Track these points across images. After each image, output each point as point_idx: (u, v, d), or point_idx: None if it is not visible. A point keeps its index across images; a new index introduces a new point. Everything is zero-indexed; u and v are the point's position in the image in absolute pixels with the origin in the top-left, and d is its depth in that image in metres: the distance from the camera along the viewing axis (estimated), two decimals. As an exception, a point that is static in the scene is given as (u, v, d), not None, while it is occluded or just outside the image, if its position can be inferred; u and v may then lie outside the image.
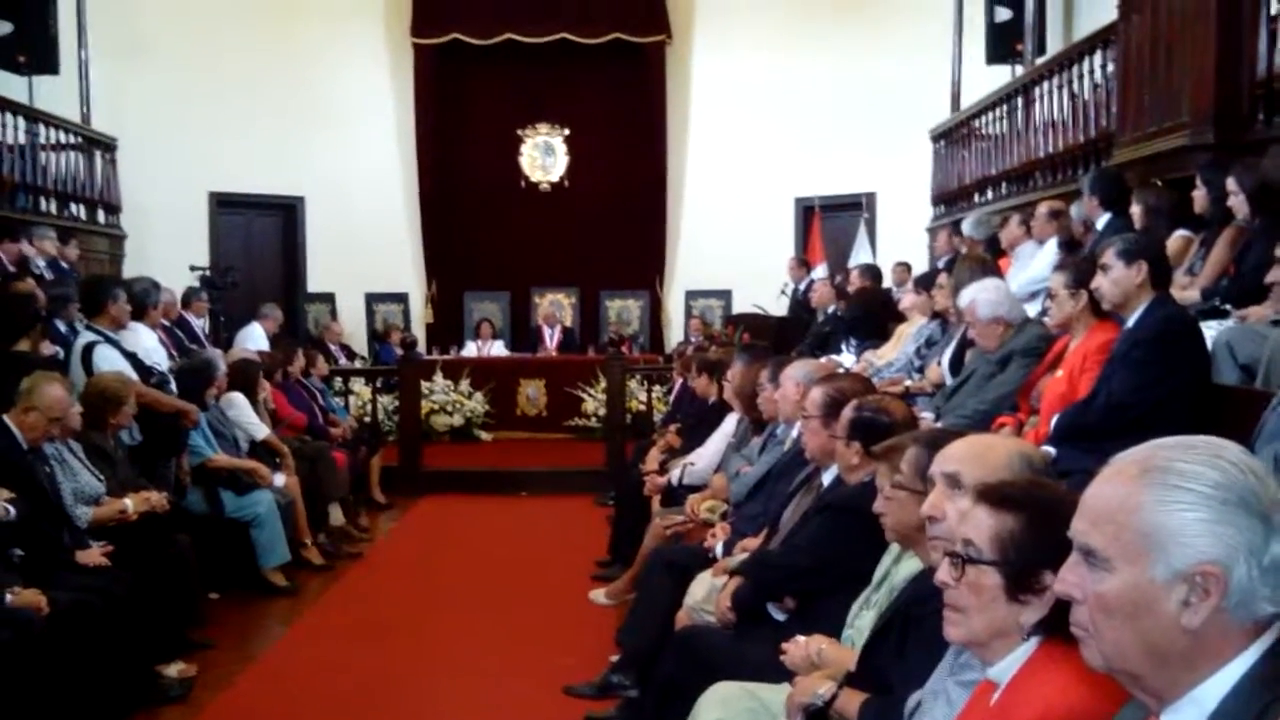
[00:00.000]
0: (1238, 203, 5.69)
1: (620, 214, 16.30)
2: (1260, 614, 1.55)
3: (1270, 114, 6.58)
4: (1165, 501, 1.55)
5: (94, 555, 5.55)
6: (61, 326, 7.86)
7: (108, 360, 6.96)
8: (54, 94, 12.81)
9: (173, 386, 7.53)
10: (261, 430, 8.32)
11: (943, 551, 2.38)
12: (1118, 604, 1.58)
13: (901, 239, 13.82)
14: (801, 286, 12.37)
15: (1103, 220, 6.86)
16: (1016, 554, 2.14)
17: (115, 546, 5.70)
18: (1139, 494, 1.57)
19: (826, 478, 4.45)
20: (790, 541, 4.32)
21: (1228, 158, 6.30)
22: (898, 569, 3.24)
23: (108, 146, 13.59)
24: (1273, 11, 6.65)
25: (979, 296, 5.74)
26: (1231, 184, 5.71)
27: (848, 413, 3.99)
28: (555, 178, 16.66)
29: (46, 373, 5.95)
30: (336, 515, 9.17)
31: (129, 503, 6.04)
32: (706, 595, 4.71)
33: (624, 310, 16.47)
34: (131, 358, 7.19)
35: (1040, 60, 11.09)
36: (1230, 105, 6.79)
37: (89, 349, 7.01)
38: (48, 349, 7.48)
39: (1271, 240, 5.05)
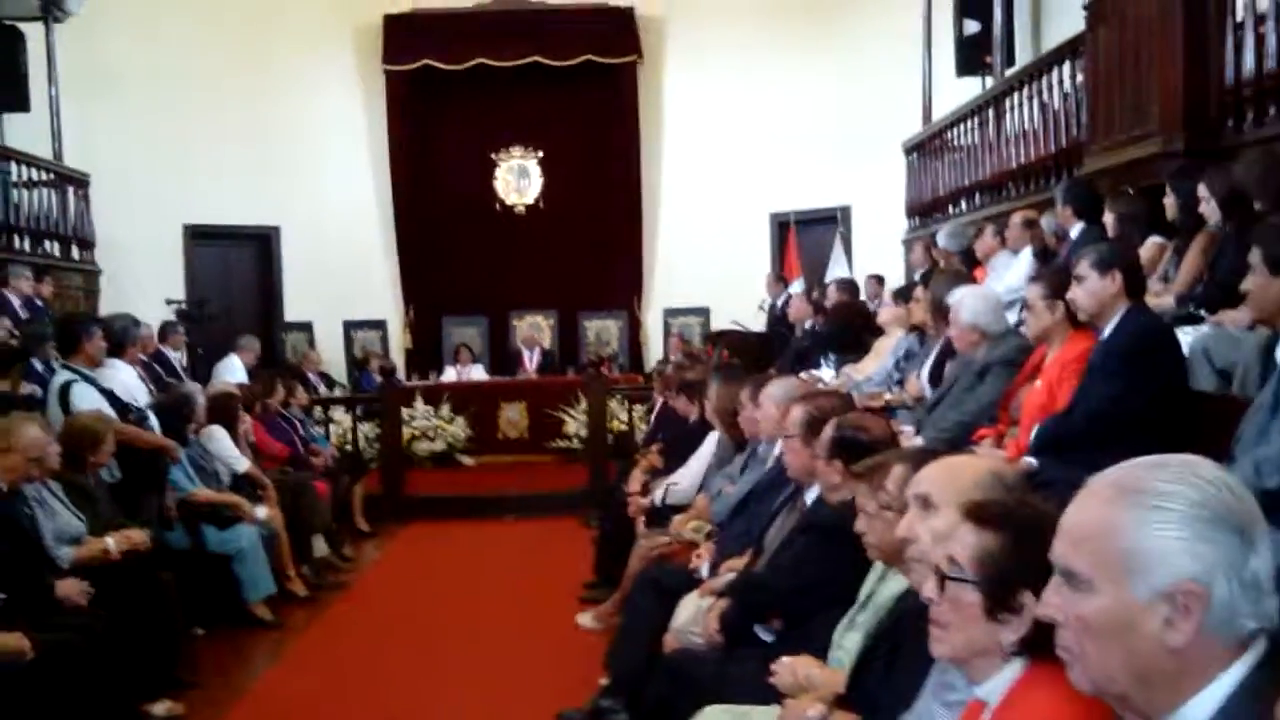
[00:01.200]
0: (1209, 209, 5.71)
1: (596, 234, 16.32)
2: (1242, 630, 1.56)
3: (1239, 120, 6.62)
4: (1143, 521, 1.56)
5: (73, 586, 5.49)
6: (38, 365, 7.81)
7: (85, 399, 6.92)
8: (25, 131, 12.79)
9: (152, 422, 7.49)
10: (243, 463, 8.28)
11: (929, 569, 2.38)
12: (1101, 625, 1.58)
13: (877, 251, 13.88)
14: (779, 302, 12.39)
15: (1076, 229, 6.90)
16: (996, 573, 2.15)
17: (98, 586, 5.66)
18: (1117, 515, 1.57)
19: (809, 497, 4.44)
20: (775, 562, 4.32)
21: (1198, 164, 6.33)
22: (883, 588, 3.24)
23: (80, 182, 13.52)
24: (1238, 19, 6.69)
25: (966, 301, 5.77)
26: (1203, 190, 5.74)
27: (828, 432, 4.00)
28: (530, 200, 16.67)
29: (23, 413, 5.92)
30: (320, 546, 9.13)
31: (111, 542, 5.98)
32: (693, 617, 4.70)
33: (603, 330, 16.47)
34: (109, 395, 7.15)
35: (1009, 72, 11.15)
36: (1199, 112, 6.83)
37: (66, 388, 6.98)
38: (25, 388, 7.45)
39: (1244, 245, 5.08)
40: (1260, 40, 6.40)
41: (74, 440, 6.34)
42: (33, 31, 12.88)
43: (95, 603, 5.52)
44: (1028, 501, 2.31)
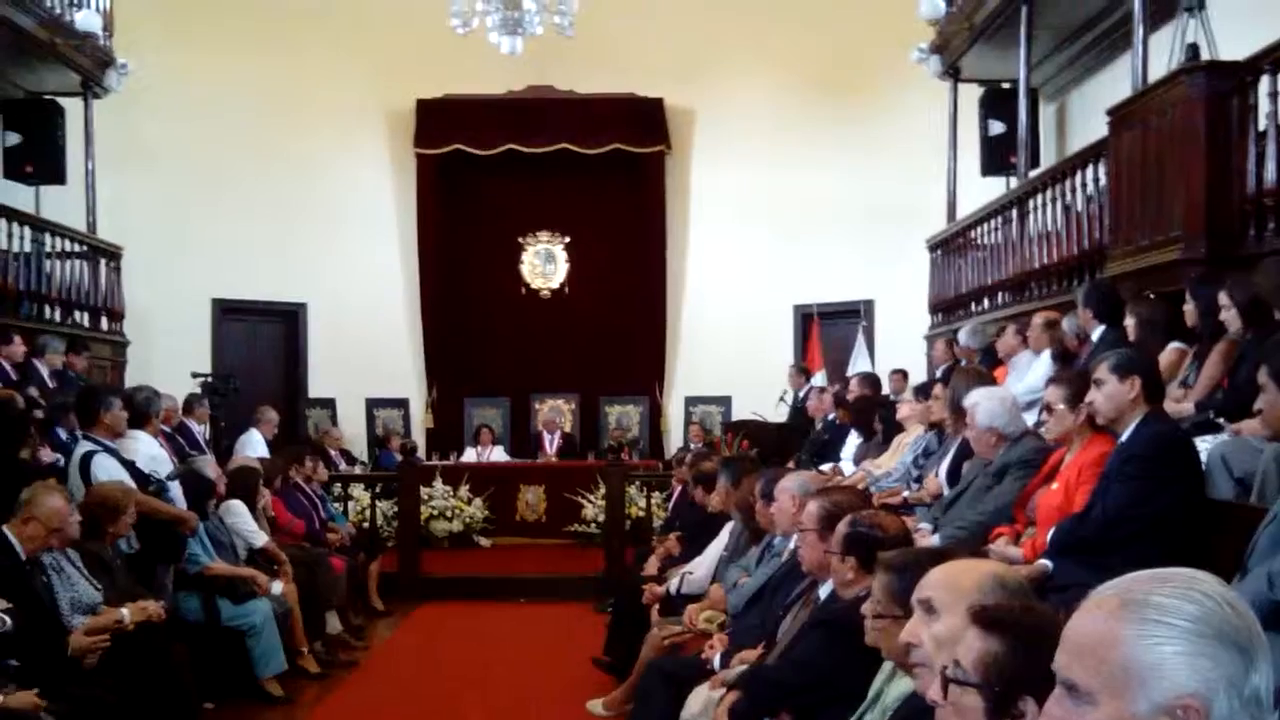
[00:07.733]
0: (1230, 316, 5.74)
1: (620, 320, 16.41)
2: (1243, 746, 1.56)
3: (1260, 228, 6.66)
4: (1145, 635, 1.56)
5: (83, 640, 5.52)
6: (62, 434, 7.89)
7: (105, 469, 6.97)
8: (60, 203, 13.01)
9: (171, 494, 7.52)
10: (260, 538, 8.30)
11: (933, 673, 2.39)
12: (1102, 738, 1.59)
13: (900, 346, 13.90)
14: (801, 394, 12.40)
15: (1097, 332, 6.91)
16: (998, 678, 2.15)
17: (111, 657, 5.67)
18: (1119, 628, 1.58)
19: (823, 591, 4.45)
20: (786, 656, 4.31)
21: (1218, 272, 6.36)
22: (890, 688, 3.23)
23: (112, 255, 13.73)
24: (1260, 128, 6.76)
25: (982, 403, 5.78)
26: (1224, 298, 5.76)
27: (842, 528, 4.01)
28: (555, 285, 16.80)
29: (46, 483, 5.98)
30: (333, 623, 9.12)
31: (126, 612, 6.01)
32: (704, 708, 4.68)
33: (624, 416, 16.48)
34: (130, 466, 7.20)
35: (1034, 173, 11.22)
36: (1220, 220, 6.88)
37: (87, 458, 7.03)
38: (48, 456, 7.51)
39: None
40: (1282, 150, 6.46)
41: (96, 510, 6.39)
42: (72, 106, 13.15)
43: (108, 674, 5.54)
44: (1034, 607, 2.32)
